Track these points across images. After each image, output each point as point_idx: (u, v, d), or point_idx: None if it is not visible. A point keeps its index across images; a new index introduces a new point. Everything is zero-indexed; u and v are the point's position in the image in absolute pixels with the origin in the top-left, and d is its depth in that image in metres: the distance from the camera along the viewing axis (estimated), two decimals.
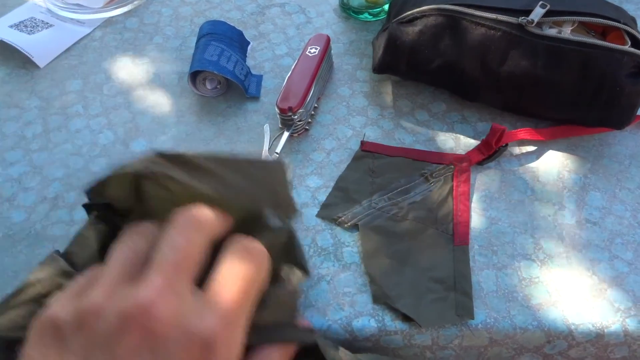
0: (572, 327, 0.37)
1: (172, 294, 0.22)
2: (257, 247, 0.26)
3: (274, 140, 0.49)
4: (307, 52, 0.52)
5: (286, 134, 0.48)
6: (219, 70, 0.51)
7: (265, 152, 0.48)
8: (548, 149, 0.48)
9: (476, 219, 0.44)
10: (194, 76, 0.53)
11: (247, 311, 0.24)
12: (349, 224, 0.43)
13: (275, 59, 0.58)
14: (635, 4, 0.61)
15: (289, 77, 0.50)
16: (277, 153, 0.48)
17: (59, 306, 0.23)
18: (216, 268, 0.25)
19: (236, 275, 0.24)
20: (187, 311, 0.22)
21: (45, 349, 0.21)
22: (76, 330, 0.21)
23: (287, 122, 0.49)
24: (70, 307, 0.22)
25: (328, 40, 0.54)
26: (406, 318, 0.38)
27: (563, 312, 0.38)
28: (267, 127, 0.50)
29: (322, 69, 0.52)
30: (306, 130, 0.50)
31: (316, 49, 0.53)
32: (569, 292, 0.39)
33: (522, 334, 0.38)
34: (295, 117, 0.48)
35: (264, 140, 0.49)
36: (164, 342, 0.21)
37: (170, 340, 0.21)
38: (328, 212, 0.44)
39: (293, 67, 0.51)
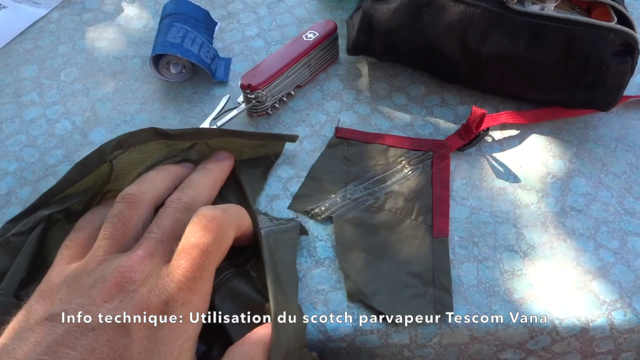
0: (556, 321, 0.36)
1: (149, 263, 0.29)
2: (215, 216, 0.31)
3: (224, 112, 0.46)
4: (303, 36, 0.49)
5: (237, 111, 0.46)
6: (183, 53, 0.47)
7: (208, 120, 0.46)
8: (531, 133, 0.46)
9: (456, 209, 0.41)
10: (157, 60, 0.49)
11: (204, 276, 0.30)
12: (322, 217, 0.41)
13: (245, 40, 0.55)
14: None
15: (269, 55, 0.48)
16: (217, 125, 0.46)
17: (56, 273, 0.30)
18: (182, 239, 0.31)
19: (192, 247, 0.30)
20: (155, 276, 0.29)
21: (41, 299, 0.28)
22: (66, 286, 0.28)
23: (246, 99, 0.46)
24: (66, 272, 0.30)
25: (332, 29, 0.50)
26: (383, 315, 0.36)
27: (547, 306, 0.36)
28: (225, 98, 0.47)
29: (310, 56, 0.49)
30: (268, 114, 0.47)
31: (314, 34, 0.49)
32: (552, 284, 0.37)
33: (504, 330, 0.36)
34: (252, 96, 0.45)
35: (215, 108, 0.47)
36: (132, 293, 0.27)
37: (137, 293, 0.27)
38: (300, 204, 0.42)
39: (281, 47, 0.48)
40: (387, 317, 0.36)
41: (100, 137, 0.47)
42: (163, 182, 0.37)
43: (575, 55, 0.42)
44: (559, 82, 0.43)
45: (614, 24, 0.41)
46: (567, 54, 0.42)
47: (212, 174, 0.38)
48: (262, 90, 0.45)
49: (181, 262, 0.29)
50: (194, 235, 0.30)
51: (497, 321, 0.36)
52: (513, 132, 0.46)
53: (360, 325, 0.36)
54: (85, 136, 0.47)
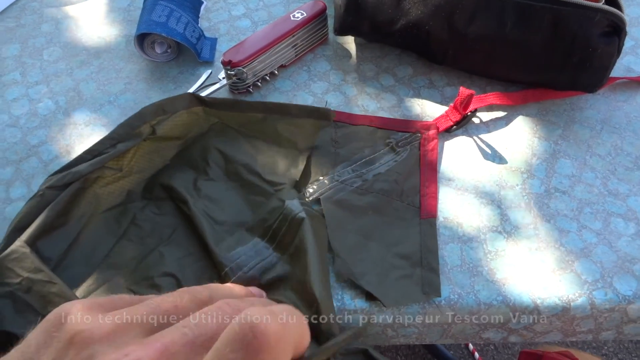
0: (538, 301, 0.36)
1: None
2: (268, 331, 0.21)
3: (203, 88, 0.46)
4: (290, 15, 0.48)
5: (217, 86, 0.46)
6: (168, 32, 0.47)
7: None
8: (518, 115, 0.46)
9: (441, 190, 0.41)
10: (142, 40, 0.48)
11: None
12: (310, 199, 0.41)
13: (231, 20, 0.54)
14: None
15: (253, 33, 0.47)
16: None
17: (75, 315, 0.23)
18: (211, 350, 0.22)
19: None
20: None
21: (41, 342, 0.22)
22: (66, 342, 0.22)
23: (227, 76, 0.46)
24: (79, 323, 0.22)
25: (321, 9, 0.49)
26: (370, 296, 0.36)
27: (529, 286, 0.36)
28: (207, 73, 0.47)
29: (296, 36, 0.48)
30: (249, 92, 0.47)
31: (302, 14, 0.48)
32: (535, 265, 0.37)
33: (486, 309, 0.36)
34: (232, 72, 0.45)
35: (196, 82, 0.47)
36: None
37: None
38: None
39: (267, 25, 0.48)
40: (380, 302, 0.36)
41: (84, 117, 0.46)
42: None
43: (562, 36, 0.41)
44: (545, 63, 0.43)
45: (601, 4, 0.41)
46: (554, 34, 0.41)
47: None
48: (243, 68, 0.45)
49: None
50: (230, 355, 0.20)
51: (479, 301, 0.36)
52: (500, 114, 0.46)
53: (344, 305, 0.36)
54: (68, 116, 0.46)
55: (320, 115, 0.44)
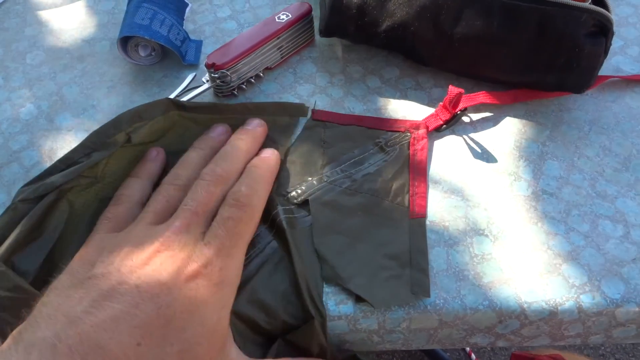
0: (525, 305, 0.35)
1: (186, 233, 0.31)
2: (246, 194, 0.35)
3: (187, 91, 0.46)
4: (275, 17, 0.48)
5: (201, 89, 0.46)
6: (151, 35, 0.46)
7: (171, 97, 0.45)
8: (505, 116, 0.45)
9: (429, 192, 0.41)
10: (125, 43, 0.48)
11: (240, 244, 0.33)
12: (299, 200, 0.40)
13: (217, 22, 0.54)
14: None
15: (238, 35, 0.47)
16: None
17: (97, 240, 0.33)
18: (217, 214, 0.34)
19: (228, 219, 0.33)
20: (192, 244, 0.31)
21: (82, 263, 0.31)
22: (107, 252, 0.31)
23: (211, 79, 0.46)
24: (107, 240, 0.32)
25: (307, 11, 0.48)
26: (359, 299, 0.35)
27: (515, 291, 0.36)
28: (190, 76, 0.47)
29: (281, 38, 0.47)
30: (234, 95, 0.47)
31: (287, 16, 0.48)
32: (522, 268, 0.37)
33: (472, 314, 0.35)
34: (216, 75, 0.44)
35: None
36: (171, 258, 0.30)
37: (176, 258, 0.30)
38: (277, 187, 0.41)
39: (252, 27, 0.47)
40: (369, 304, 0.36)
41: (66, 122, 0.46)
42: (205, 162, 0.38)
43: (548, 36, 0.41)
44: (532, 64, 0.43)
45: (588, 4, 0.40)
46: (541, 34, 0.41)
47: (246, 145, 0.40)
48: (227, 70, 0.44)
49: (219, 231, 0.32)
50: (228, 211, 0.33)
51: (465, 305, 0.35)
52: (487, 115, 0.46)
53: (328, 311, 0.35)
54: (51, 121, 0.46)
55: (293, 110, 0.44)
